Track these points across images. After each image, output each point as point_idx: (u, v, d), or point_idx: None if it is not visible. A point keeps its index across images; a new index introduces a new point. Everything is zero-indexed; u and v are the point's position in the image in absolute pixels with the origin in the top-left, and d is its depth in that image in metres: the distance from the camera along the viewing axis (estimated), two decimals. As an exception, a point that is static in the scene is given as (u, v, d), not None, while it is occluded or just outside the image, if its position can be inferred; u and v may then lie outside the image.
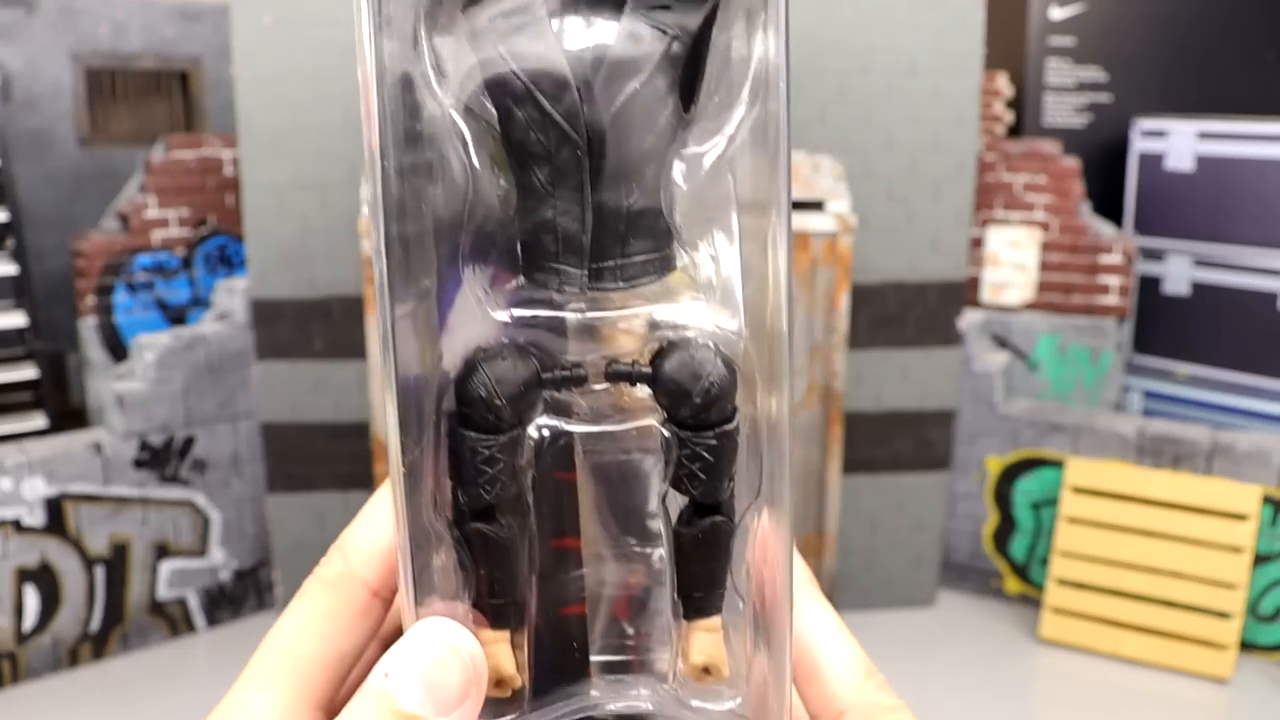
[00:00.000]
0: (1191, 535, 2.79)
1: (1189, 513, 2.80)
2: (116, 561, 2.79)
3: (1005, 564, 3.16)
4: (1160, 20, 3.62)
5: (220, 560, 2.97)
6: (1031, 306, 3.36)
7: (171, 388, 2.87)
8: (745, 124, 0.33)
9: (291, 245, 2.84)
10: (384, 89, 0.31)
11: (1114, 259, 3.28)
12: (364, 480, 2.89)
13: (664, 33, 0.31)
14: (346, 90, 2.78)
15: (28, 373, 3.08)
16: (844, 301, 2.76)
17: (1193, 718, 2.64)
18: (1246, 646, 2.83)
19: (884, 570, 3.07)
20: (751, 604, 0.35)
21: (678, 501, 0.35)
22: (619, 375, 0.33)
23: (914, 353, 3.01)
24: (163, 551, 2.87)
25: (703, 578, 0.34)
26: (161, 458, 2.86)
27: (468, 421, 0.32)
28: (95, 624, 2.77)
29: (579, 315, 0.33)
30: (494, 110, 0.32)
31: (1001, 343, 3.34)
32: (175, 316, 3.38)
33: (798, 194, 2.66)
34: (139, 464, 2.82)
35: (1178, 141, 3.37)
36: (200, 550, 2.93)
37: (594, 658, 0.36)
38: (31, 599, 2.67)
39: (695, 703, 0.35)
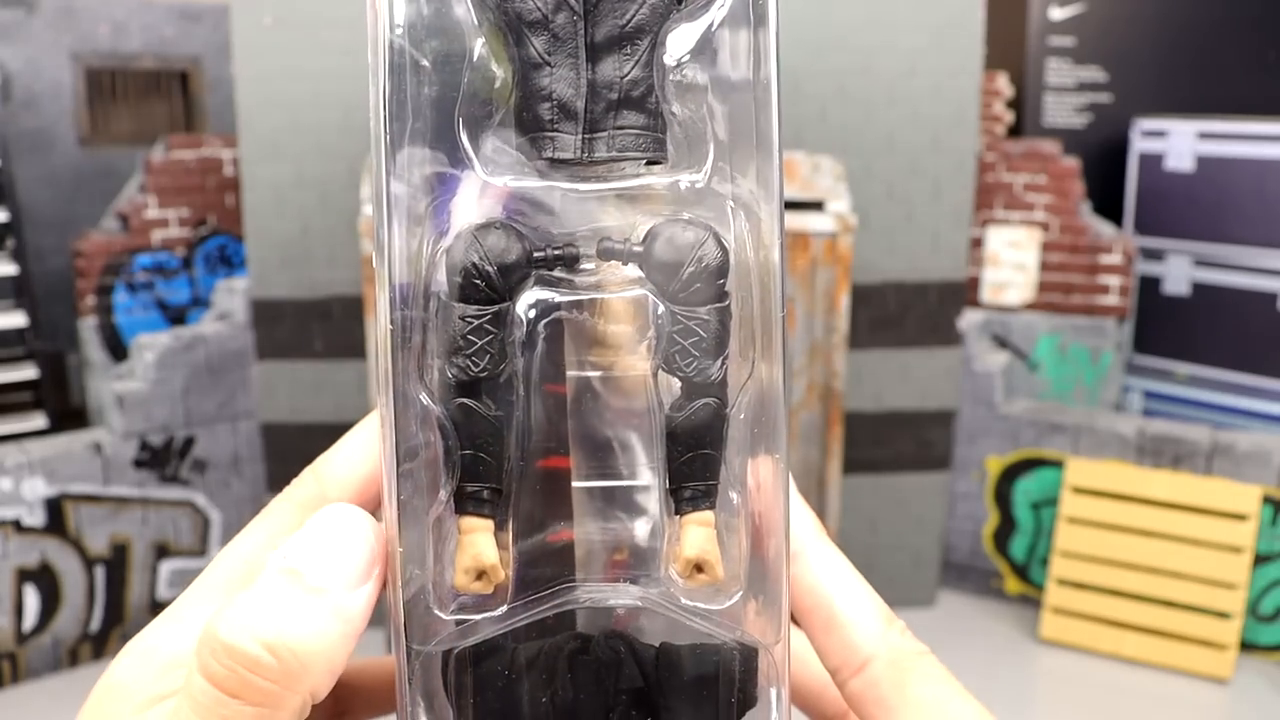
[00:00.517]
0: (1191, 535, 2.79)
1: (1189, 513, 2.80)
2: (116, 561, 2.79)
3: (1005, 564, 3.16)
4: (1160, 20, 3.62)
5: (220, 560, 2.97)
6: (1031, 306, 3.36)
7: (171, 388, 2.87)
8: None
9: (291, 245, 2.84)
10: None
11: (1114, 259, 3.28)
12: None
13: None
14: (346, 90, 2.78)
15: (28, 373, 3.08)
16: (844, 301, 2.76)
17: (1193, 718, 2.64)
18: (1246, 646, 2.83)
19: (884, 570, 3.07)
20: (752, 542, 0.34)
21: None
22: (610, 253, 0.33)
23: (914, 353, 3.01)
24: (163, 551, 2.87)
25: (695, 466, 0.33)
26: (161, 458, 2.86)
27: (457, 292, 0.32)
28: (95, 624, 2.77)
29: (572, 187, 0.33)
30: None
31: (1001, 343, 3.34)
32: (175, 316, 3.38)
33: (798, 194, 2.66)
34: (139, 464, 2.82)
35: (1178, 141, 3.37)
36: (200, 550, 2.93)
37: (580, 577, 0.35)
38: (31, 599, 2.67)
39: (687, 601, 0.34)
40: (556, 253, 0.33)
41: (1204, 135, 3.31)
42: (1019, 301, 3.36)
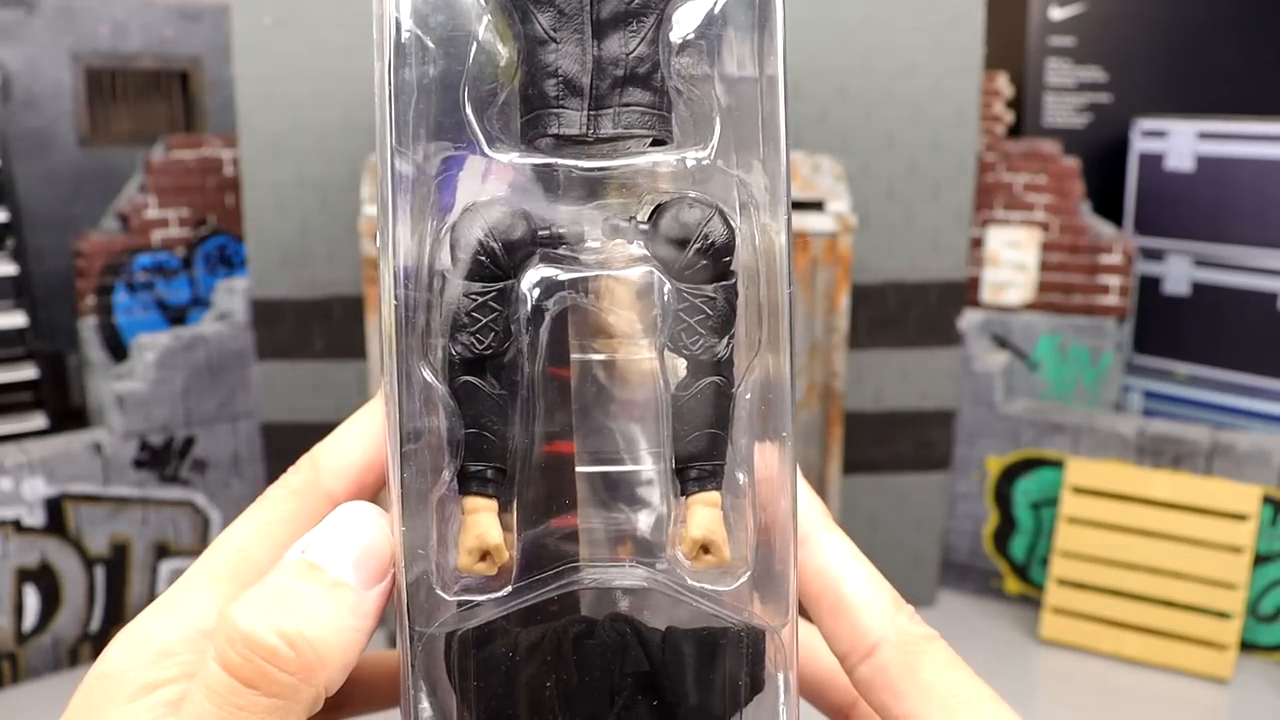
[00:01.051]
0: (1191, 535, 2.79)
1: (1189, 513, 2.80)
2: (116, 561, 2.79)
3: (1005, 564, 3.16)
4: (1160, 20, 3.62)
5: (220, 560, 2.97)
6: (1031, 306, 3.36)
7: (171, 388, 2.87)
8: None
9: (291, 245, 2.84)
10: None
11: (1114, 259, 3.28)
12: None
13: None
14: (346, 90, 2.78)
15: (28, 373, 3.08)
16: (844, 301, 2.76)
17: (1193, 718, 2.64)
18: (1246, 646, 2.83)
19: (884, 570, 3.03)
20: (758, 527, 0.34)
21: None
22: (616, 230, 0.33)
23: (914, 353, 3.01)
24: (163, 551, 2.87)
25: (702, 446, 0.33)
26: (161, 458, 2.86)
27: (461, 269, 0.32)
28: (95, 624, 2.77)
29: (576, 164, 0.33)
30: None
31: (1001, 343, 3.34)
32: (175, 316, 3.38)
33: (798, 194, 2.66)
34: (139, 464, 2.82)
35: (1178, 141, 3.37)
36: (200, 550, 2.92)
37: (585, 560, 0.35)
38: (31, 599, 2.67)
39: (693, 582, 0.34)
40: (561, 230, 0.33)
41: (1204, 135, 3.31)
42: (1019, 301, 3.36)
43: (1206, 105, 3.51)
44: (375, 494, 0.35)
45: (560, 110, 0.32)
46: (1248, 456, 2.79)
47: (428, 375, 0.32)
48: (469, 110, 0.33)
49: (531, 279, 0.33)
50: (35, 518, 2.64)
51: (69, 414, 3.35)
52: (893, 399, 3.04)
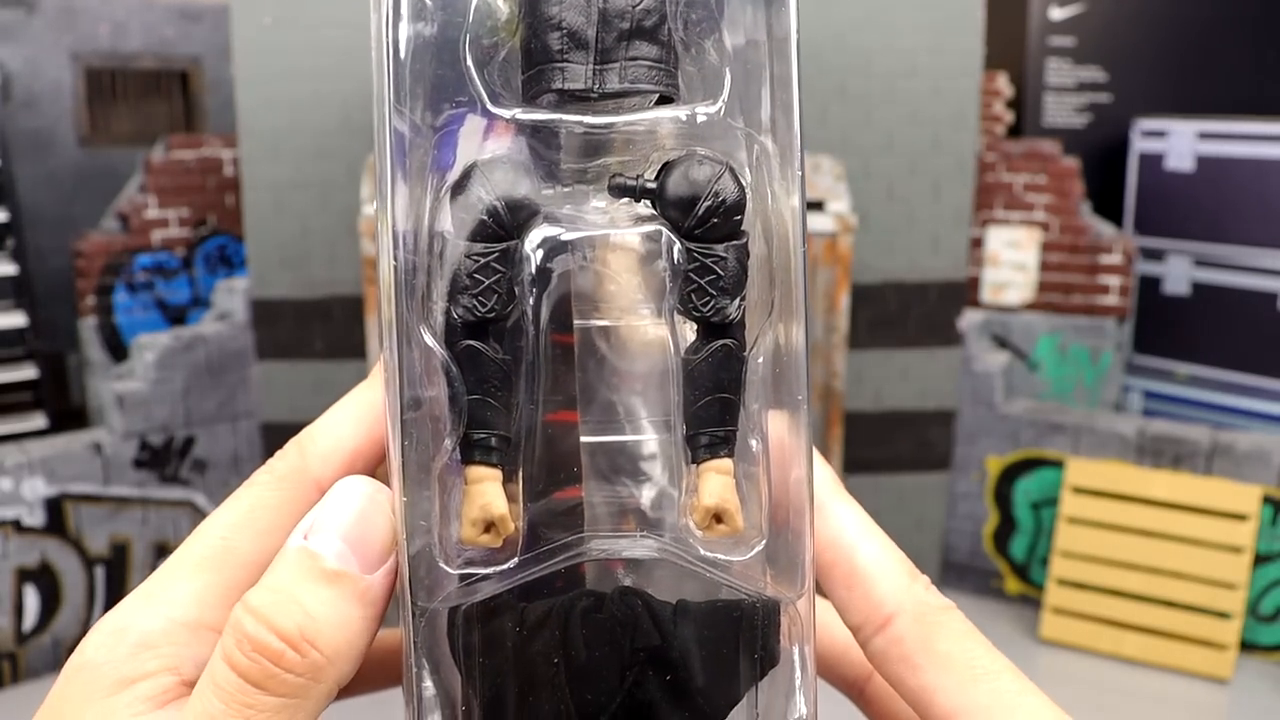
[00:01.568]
0: (1191, 535, 2.79)
1: (1189, 513, 2.80)
2: (116, 561, 2.79)
3: (1005, 564, 3.16)
4: (1160, 20, 3.62)
5: (220, 560, 2.98)
6: (1031, 306, 3.36)
7: (171, 388, 2.87)
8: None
9: (291, 245, 2.84)
10: None
11: (1114, 259, 3.28)
12: (364, 480, 2.89)
13: None
14: (346, 90, 2.78)
15: (28, 373, 3.08)
16: (844, 301, 2.76)
17: (1193, 718, 2.64)
18: (1246, 646, 2.83)
19: (884, 570, 3.07)
20: (771, 496, 0.33)
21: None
22: (622, 189, 0.32)
23: (914, 353, 3.01)
24: (163, 551, 2.87)
25: (713, 412, 0.32)
26: (161, 458, 2.86)
27: (463, 229, 0.31)
28: (95, 623, 2.76)
29: (580, 120, 0.32)
30: None
31: (1001, 343, 3.34)
32: (175, 316, 3.38)
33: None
34: (139, 464, 2.82)
35: (1178, 141, 3.37)
36: (200, 550, 2.93)
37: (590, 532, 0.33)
38: (31, 599, 2.67)
39: (705, 552, 0.32)
40: (566, 190, 0.32)
41: (1204, 135, 3.31)
42: (1019, 301, 3.36)
43: (1206, 105, 3.51)
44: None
45: (564, 65, 0.31)
46: (1248, 456, 2.79)
47: (428, 339, 0.31)
48: (469, 70, 0.32)
49: (535, 239, 0.32)
50: (35, 518, 2.64)
51: (69, 414, 3.35)
52: (893, 399, 3.04)
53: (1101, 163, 3.56)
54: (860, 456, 3.04)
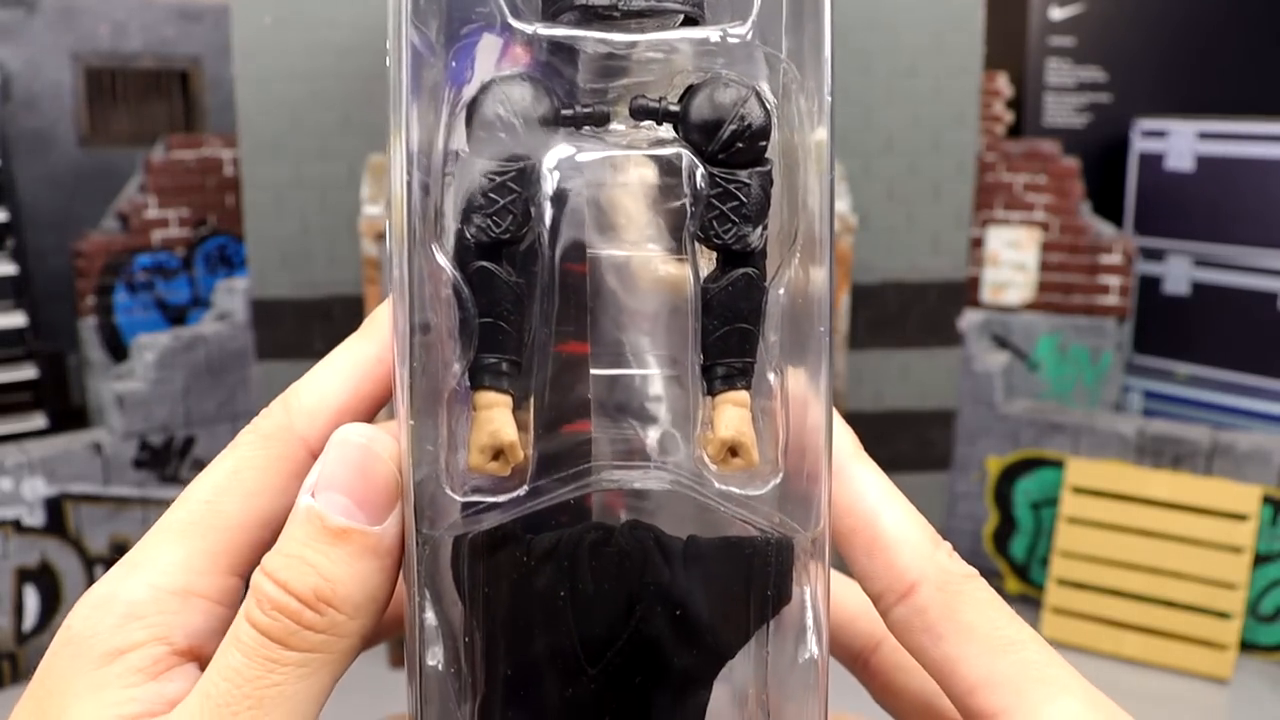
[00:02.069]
0: (1191, 535, 2.79)
1: (1189, 513, 2.80)
2: (116, 561, 2.79)
3: (1005, 564, 3.16)
4: (1160, 20, 3.62)
5: (220, 560, 2.98)
6: (1031, 306, 3.36)
7: (171, 388, 2.87)
8: None
9: (291, 245, 2.84)
10: None
11: (1114, 259, 3.29)
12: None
13: None
14: (346, 90, 2.78)
15: (28, 373, 3.08)
16: (844, 301, 2.76)
17: (1193, 718, 2.64)
18: (1246, 646, 2.83)
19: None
20: (788, 435, 0.32)
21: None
22: (644, 111, 0.31)
23: (914, 353, 3.01)
24: (163, 551, 2.87)
25: (732, 342, 0.31)
26: (161, 458, 2.86)
27: (479, 147, 0.30)
28: (95, 624, 2.77)
29: (602, 40, 0.30)
30: None
31: (1001, 343, 3.34)
32: (175, 316, 3.38)
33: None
34: (139, 464, 2.82)
35: (1178, 141, 3.37)
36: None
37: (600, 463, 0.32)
38: (31, 599, 2.67)
39: (719, 485, 0.31)
40: (586, 110, 0.31)
41: (1204, 135, 3.32)
42: (1019, 301, 3.36)
43: (1206, 105, 3.51)
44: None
45: None
46: (1248, 456, 2.79)
47: (440, 258, 0.30)
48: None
49: (553, 160, 0.30)
50: (35, 518, 2.64)
51: (69, 414, 3.35)
52: (893, 399, 3.04)
53: (1101, 163, 3.56)
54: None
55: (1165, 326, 3.43)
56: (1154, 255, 3.44)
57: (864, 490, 0.32)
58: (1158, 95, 3.61)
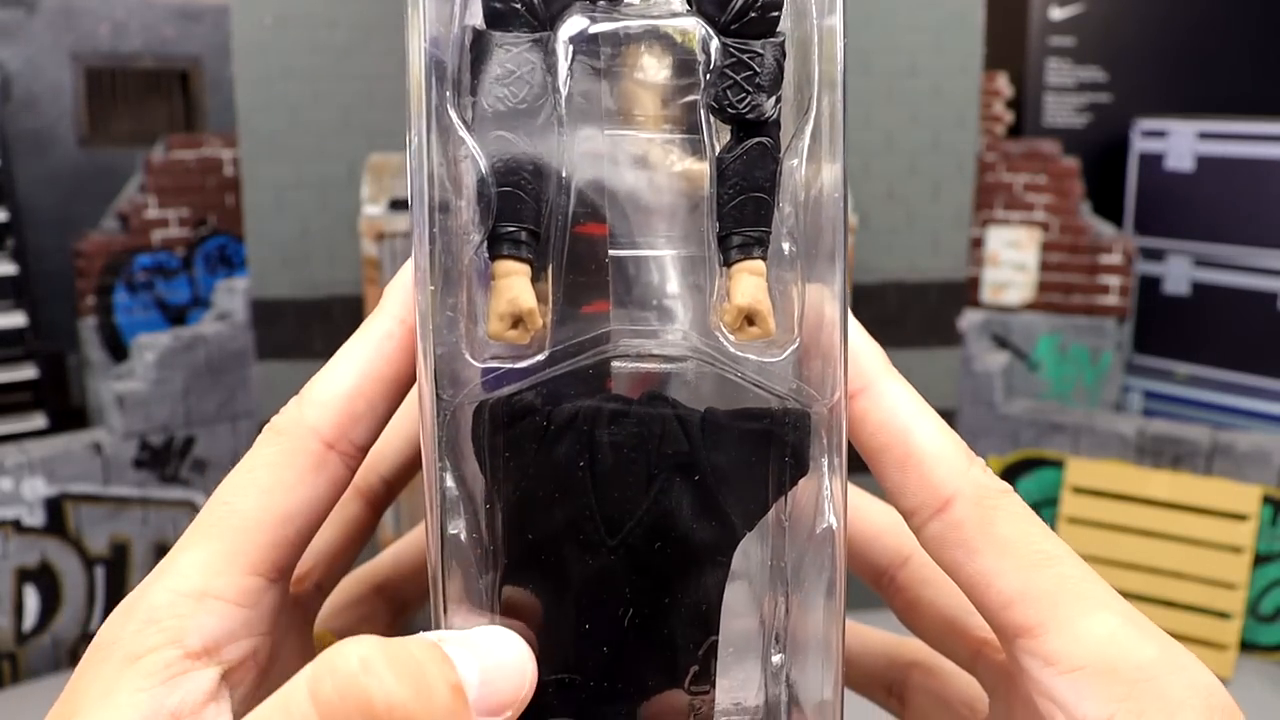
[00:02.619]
0: (1191, 535, 2.79)
1: (1189, 513, 2.80)
2: (116, 561, 2.79)
3: (1005, 564, 3.16)
4: (1160, 20, 3.62)
5: (220, 560, 2.98)
6: (1031, 306, 3.36)
7: (171, 388, 2.87)
8: None
9: (291, 245, 2.84)
10: None
11: (1114, 259, 3.29)
12: (364, 480, 2.89)
13: None
14: (346, 90, 2.78)
15: (28, 373, 3.08)
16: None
17: (1193, 718, 2.64)
18: (1246, 646, 2.83)
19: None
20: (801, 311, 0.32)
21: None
22: None
23: (914, 353, 3.01)
24: (163, 551, 2.86)
25: (747, 211, 0.31)
26: (161, 458, 2.86)
27: (495, 19, 0.30)
28: (95, 624, 2.77)
29: None
30: None
31: (1001, 343, 3.34)
32: (175, 316, 3.38)
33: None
34: (139, 464, 2.82)
35: (1178, 141, 3.37)
36: (200, 550, 2.93)
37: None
38: (31, 599, 2.67)
39: (736, 351, 0.31)
40: None
41: (1204, 135, 3.32)
42: (1019, 301, 3.36)
43: (1206, 105, 3.51)
44: (357, 423, 0.32)
45: None
46: (1248, 456, 2.79)
47: (459, 127, 0.30)
48: None
49: (569, 31, 0.30)
50: (35, 518, 2.64)
51: (69, 414, 3.35)
52: (893, 399, 3.04)
53: (1101, 163, 3.56)
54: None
55: (1165, 326, 3.43)
56: (1154, 255, 3.44)
57: (896, 406, 0.32)
58: (1158, 95, 3.61)
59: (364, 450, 0.33)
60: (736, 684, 0.32)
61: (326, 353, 0.34)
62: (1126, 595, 0.30)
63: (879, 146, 2.90)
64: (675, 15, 0.31)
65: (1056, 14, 3.62)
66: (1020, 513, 0.31)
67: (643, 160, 0.32)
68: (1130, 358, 3.49)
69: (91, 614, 2.76)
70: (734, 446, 0.31)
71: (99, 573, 2.76)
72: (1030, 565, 0.30)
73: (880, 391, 0.32)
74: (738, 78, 0.30)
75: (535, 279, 0.30)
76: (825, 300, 0.32)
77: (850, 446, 0.32)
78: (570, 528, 0.30)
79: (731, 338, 0.31)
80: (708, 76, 0.31)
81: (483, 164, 0.30)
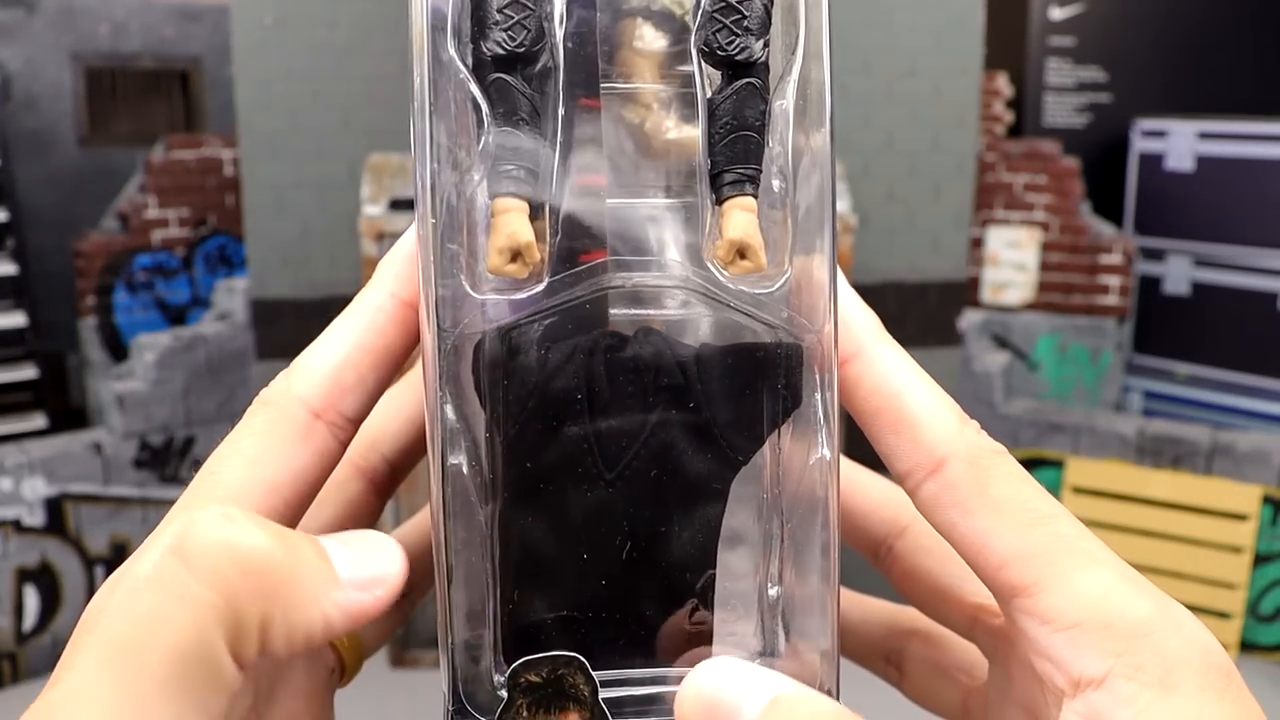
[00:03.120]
0: (1191, 535, 2.79)
1: (1189, 513, 2.80)
2: (116, 561, 2.79)
3: (1005, 564, 3.16)
4: (1160, 20, 3.62)
5: (220, 560, 2.98)
6: (1031, 306, 3.36)
7: (171, 388, 2.87)
8: None
9: (291, 245, 2.84)
10: None
11: (1114, 259, 3.29)
12: (364, 480, 2.89)
13: None
14: (346, 90, 2.78)
15: (28, 373, 3.08)
16: (844, 301, 2.76)
17: (1193, 718, 2.64)
18: (1246, 646, 2.83)
19: (884, 570, 3.07)
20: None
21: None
22: None
23: (914, 353, 2.96)
24: (163, 551, 2.87)
25: (738, 149, 0.31)
26: (161, 458, 2.86)
27: None
28: (95, 624, 2.77)
29: None
30: None
31: (1001, 343, 3.34)
32: (175, 316, 3.38)
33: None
34: (139, 464, 2.82)
35: (1178, 141, 3.37)
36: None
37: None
38: (31, 599, 2.67)
39: (729, 284, 0.32)
40: None
41: (1204, 135, 3.32)
42: (1019, 301, 3.36)
43: (1206, 105, 3.51)
44: (357, 395, 0.32)
45: None
46: (1248, 456, 2.79)
47: (459, 69, 0.31)
48: None
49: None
50: (35, 518, 2.64)
51: (69, 414, 3.35)
52: (893, 399, 3.04)
53: (1101, 163, 3.56)
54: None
55: (1165, 326, 3.43)
56: (1154, 255, 3.44)
57: (889, 369, 0.33)
58: (1158, 95, 3.61)
59: (354, 422, 0.32)
60: (734, 617, 0.32)
61: (326, 350, 0.34)
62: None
63: (879, 147, 2.90)
64: None
65: (1056, 14, 3.62)
66: (1014, 472, 0.31)
67: (638, 137, 0.32)
68: (1130, 358, 3.49)
69: (91, 614, 2.77)
70: (729, 378, 0.31)
71: (99, 573, 2.76)
72: (1025, 524, 0.30)
73: (874, 356, 0.33)
74: (726, 21, 0.31)
75: (533, 217, 0.31)
76: (815, 238, 0.32)
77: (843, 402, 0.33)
78: (568, 461, 0.30)
79: (725, 272, 0.32)
80: (696, 20, 0.31)
81: (483, 104, 0.31)
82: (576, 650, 0.31)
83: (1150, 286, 3.45)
